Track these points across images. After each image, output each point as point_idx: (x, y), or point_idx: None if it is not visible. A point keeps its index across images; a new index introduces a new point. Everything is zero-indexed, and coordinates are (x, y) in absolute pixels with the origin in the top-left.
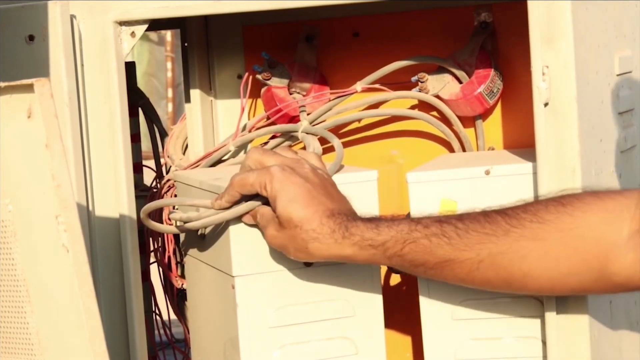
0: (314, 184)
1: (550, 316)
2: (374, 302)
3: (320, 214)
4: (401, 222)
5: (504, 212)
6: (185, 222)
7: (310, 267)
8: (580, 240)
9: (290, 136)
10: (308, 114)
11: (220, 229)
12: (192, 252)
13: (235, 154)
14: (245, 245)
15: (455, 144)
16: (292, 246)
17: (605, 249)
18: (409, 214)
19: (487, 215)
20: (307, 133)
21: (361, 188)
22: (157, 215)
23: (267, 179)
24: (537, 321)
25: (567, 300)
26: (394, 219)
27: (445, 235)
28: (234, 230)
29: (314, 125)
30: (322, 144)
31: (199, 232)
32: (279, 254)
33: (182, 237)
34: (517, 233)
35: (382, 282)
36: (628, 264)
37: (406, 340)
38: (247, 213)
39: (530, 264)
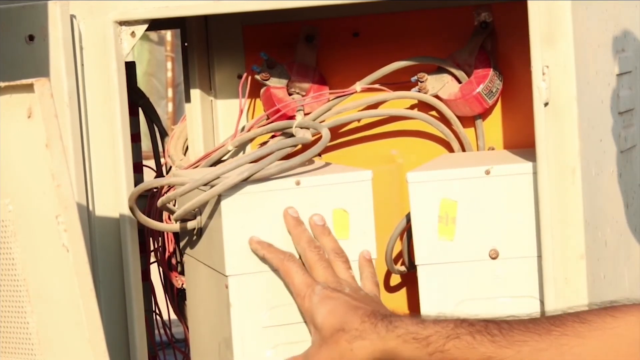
0: (353, 297)
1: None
2: None
3: (361, 314)
4: (447, 319)
5: (550, 316)
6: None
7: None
8: (618, 338)
9: (289, 135)
10: (306, 114)
11: (215, 228)
12: (190, 251)
13: (234, 154)
14: (239, 245)
15: (455, 144)
16: (337, 355)
17: (637, 350)
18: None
19: (532, 318)
20: (301, 127)
21: (355, 188)
22: (157, 213)
23: (306, 292)
24: None
25: (568, 299)
26: (439, 316)
27: (489, 332)
28: (227, 229)
29: None
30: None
31: (195, 229)
32: None
33: (181, 236)
34: (558, 331)
35: (382, 282)
36: None
37: None
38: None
39: None
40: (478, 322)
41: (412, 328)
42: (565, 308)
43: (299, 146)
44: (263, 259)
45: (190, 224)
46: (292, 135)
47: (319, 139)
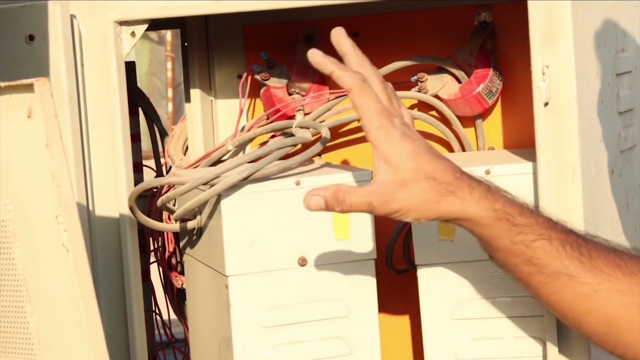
0: (429, 145)
1: (551, 316)
2: (369, 302)
3: (452, 167)
4: (542, 216)
5: (636, 255)
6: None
7: (304, 267)
8: None
9: (289, 135)
10: (307, 114)
11: (215, 228)
12: (190, 251)
13: (234, 154)
14: (239, 245)
15: (455, 144)
16: (419, 202)
17: None
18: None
19: (617, 251)
20: (300, 127)
21: None
22: (157, 213)
23: (387, 123)
24: (537, 321)
25: None
26: (530, 207)
27: (580, 251)
28: (227, 229)
29: None
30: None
31: (195, 229)
32: (273, 254)
33: (181, 236)
34: None
35: (382, 282)
36: None
37: (406, 340)
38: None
39: None
40: (570, 233)
41: (510, 209)
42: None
43: (299, 146)
44: (330, 75)
45: (190, 224)
46: (292, 135)
47: (319, 138)
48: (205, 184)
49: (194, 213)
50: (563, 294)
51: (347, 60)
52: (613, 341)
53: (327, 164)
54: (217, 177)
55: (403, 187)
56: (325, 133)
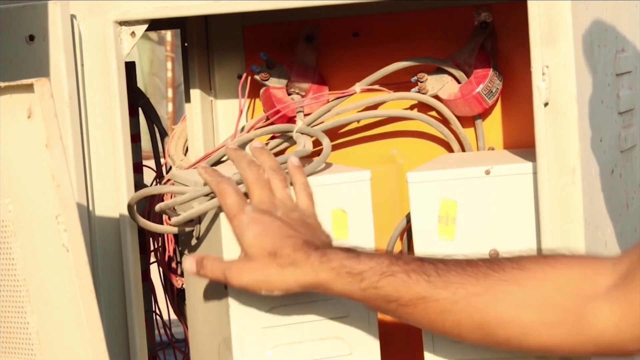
0: (285, 223)
1: None
2: None
3: (293, 241)
4: (382, 255)
5: (487, 259)
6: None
7: None
8: (558, 292)
9: (288, 137)
10: (306, 115)
11: (214, 234)
12: (190, 252)
13: None
14: (238, 250)
15: (455, 145)
16: (263, 277)
17: (581, 302)
18: (389, 251)
19: (469, 260)
20: (301, 133)
21: (354, 188)
22: (156, 214)
23: (236, 211)
24: None
25: None
26: (375, 252)
27: (425, 272)
28: (226, 230)
29: (312, 126)
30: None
31: (194, 231)
32: None
33: (180, 236)
34: (496, 277)
35: None
36: (603, 315)
37: (406, 341)
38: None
39: (505, 308)
40: (414, 261)
41: (347, 262)
42: (503, 253)
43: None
44: (205, 185)
45: (190, 227)
46: (291, 139)
47: (319, 143)
48: (205, 195)
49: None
50: (428, 316)
51: (232, 159)
52: (495, 342)
53: (327, 164)
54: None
55: (249, 264)
56: (326, 144)
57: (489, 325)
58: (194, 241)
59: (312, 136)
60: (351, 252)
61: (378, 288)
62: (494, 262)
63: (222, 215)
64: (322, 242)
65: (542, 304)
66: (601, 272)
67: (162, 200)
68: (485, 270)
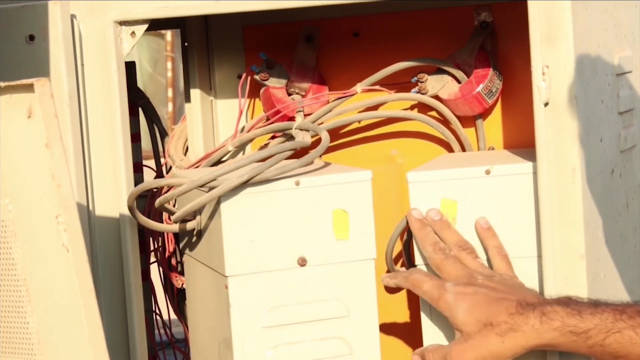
0: (490, 288)
1: None
2: (368, 302)
3: (506, 305)
4: (605, 311)
5: None
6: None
7: (303, 267)
8: None
9: (289, 136)
10: (307, 115)
11: (214, 228)
12: (190, 251)
13: (234, 155)
14: (238, 246)
15: (455, 145)
16: (487, 352)
17: None
18: (606, 303)
19: None
20: (300, 130)
21: (355, 188)
22: (156, 213)
23: (439, 293)
24: None
25: None
26: (596, 304)
27: None
28: (227, 230)
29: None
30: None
31: (195, 229)
32: (273, 254)
33: (181, 236)
34: None
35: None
36: None
37: (406, 341)
38: None
39: None
40: (638, 315)
41: (569, 320)
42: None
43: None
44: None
45: (190, 225)
46: (292, 137)
47: (319, 140)
48: (202, 185)
49: (193, 214)
50: None
51: (417, 239)
52: None
53: (327, 164)
54: (215, 179)
55: (469, 341)
56: (325, 137)
57: None
58: (194, 239)
59: (312, 132)
60: (571, 307)
61: (605, 346)
62: None
63: (222, 204)
64: (535, 298)
65: None
66: None
67: None
68: None
